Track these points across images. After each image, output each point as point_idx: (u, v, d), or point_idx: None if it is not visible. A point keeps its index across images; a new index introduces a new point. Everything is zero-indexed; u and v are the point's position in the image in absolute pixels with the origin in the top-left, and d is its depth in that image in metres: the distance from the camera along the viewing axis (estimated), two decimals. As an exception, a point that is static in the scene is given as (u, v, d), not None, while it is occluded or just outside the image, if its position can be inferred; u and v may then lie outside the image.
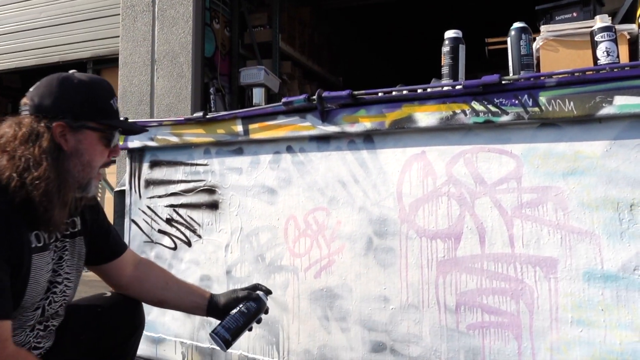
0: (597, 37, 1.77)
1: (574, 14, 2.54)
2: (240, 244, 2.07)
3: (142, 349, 2.22)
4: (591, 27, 1.83)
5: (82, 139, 1.39)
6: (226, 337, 1.60)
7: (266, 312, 1.72)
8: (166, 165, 2.29)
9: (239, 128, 2.02)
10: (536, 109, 1.49)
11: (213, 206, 2.15)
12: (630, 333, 1.39)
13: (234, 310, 1.64)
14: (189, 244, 2.21)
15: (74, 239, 1.52)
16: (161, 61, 4.86)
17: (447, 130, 1.66)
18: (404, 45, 8.84)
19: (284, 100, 1.88)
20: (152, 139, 2.26)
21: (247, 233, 2.06)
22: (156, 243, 2.30)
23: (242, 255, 2.07)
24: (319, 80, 6.65)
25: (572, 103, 1.44)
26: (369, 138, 1.79)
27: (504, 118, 1.54)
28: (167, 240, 2.27)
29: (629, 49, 2.30)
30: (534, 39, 2.22)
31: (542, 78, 1.51)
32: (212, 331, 1.62)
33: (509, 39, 1.81)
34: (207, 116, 2.10)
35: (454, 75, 1.85)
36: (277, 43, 5.52)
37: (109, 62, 5.66)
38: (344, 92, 1.76)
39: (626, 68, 1.43)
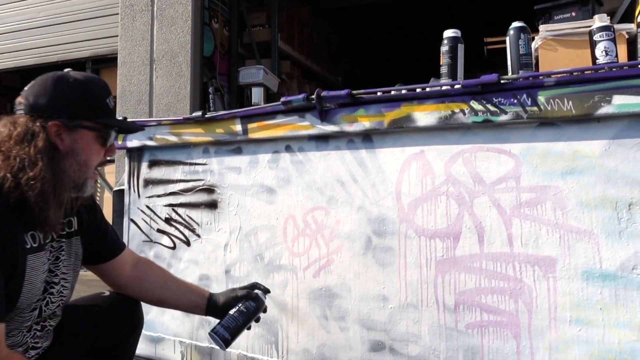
0: (596, 37, 1.77)
1: (573, 14, 2.54)
2: (239, 243, 2.08)
3: (141, 348, 2.22)
4: (590, 26, 1.83)
5: (78, 138, 1.38)
6: (225, 336, 1.60)
7: (265, 311, 1.72)
8: (165, 164, 2.29)
9: (237, 127, 2.02)
10: (535, 108, 1.49)
11: (212, 205, 2.15)
12: (628, 332, 1.40)
13: (233, 310, 1.65)
14: (187, 243, 2.21)
15: (71, 239, 1.51)
16: (160, 61, 4.86)
17: (445, 129, 1.66)
18: (402, 45, 8.85)
19: (282, 99, 1.88)
20: (151, 139, 2.26)
21: (246, 232, 2.06)
22: (155, 242, 2.30)
23: (241, 254, 2.07)
24: (318, 79, 6.65)
25: (570, 102, 1.45)
26: (367, 137, 1.79)
27: (503, 117, 1.54)
28: (166, 240, 2.27)
29: (628, 48, 2.30)
30: (533, 39, 2.22)
31: (540, 77, 1.51)
32: (212, 330, 1.63)
33: (507, 39, 1.81)
34: (206, 116, 2.09)
35: (452, 74, 1.85)
36: (276, 42, 5.52)
37: (107, 61, 5.66)
38: (343, 92, 1.76)
39: (625, 67, 1.43)
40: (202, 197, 2.18)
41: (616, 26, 2.05)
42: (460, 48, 1.87)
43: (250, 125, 1.99)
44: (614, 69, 1.45)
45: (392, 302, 1.74)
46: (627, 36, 2.29)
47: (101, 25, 5.71)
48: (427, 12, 7.07)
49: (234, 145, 2.09)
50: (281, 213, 1.98)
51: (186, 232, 2.22)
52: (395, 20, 7.76)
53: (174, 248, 2.25)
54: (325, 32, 6.99)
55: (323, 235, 1.88)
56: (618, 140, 1.42)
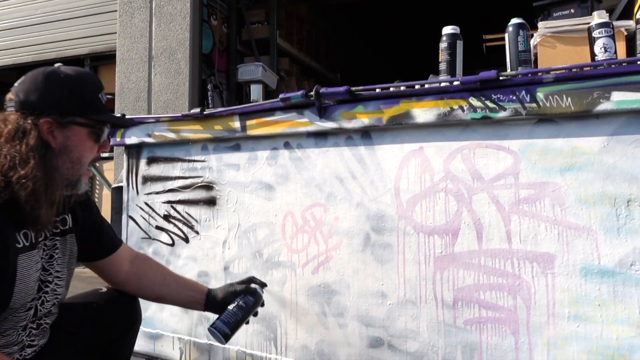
0: (595, 33, 1.77)
1: (572, 11, 2.54)
2: (237, 240, 2.08)
3: (140, 344, 2.23)
4: (589, 23, 1.83)
5: (71, 135, 1.35)
6: (225, 331, 1.60)
7: (262, 305, 1.72)
8: (163, 161, 2.28)
9: (236, 124, 2.02)
10: (534, 104, 1.49)
11: (210, 202, 2.15)
12: (626, 328, 1.40)
13: (232, 305, 1.65)
14: (186, 240, 2.21)
15: (65, 237, 1.50)
16: (158, 58, 4.85)
17: (444, 126, 1.66)
18: (401, 42, 8.84)
19: (281, 96, 1.88)
20: (149, 136, 2.26)
21: (245, 229, 2.06)
22: (154, 239, 2.30)
23: (239, 251, 2.07)
24: (316, 76, 6.64)
25: (569, 99, 1.45)
26: (366, 134, 1.79)
27: (502, 114, 1.54)
28: (164, 237, 2.27)
29: (626, 45, 2.30)
30: (532, 36, 2.22)
31: (539, 74, 1.51)
32: (211, 325, 1.63)
33: (506, 35, 1.81)
34: (205, 112, 2.09)
35: (451, 71, 1.86)
36: (274, 39, 5.51)
37: (106, 58, 5.64)
38: (342, 88, 1.76)
39: (623, 64, 1.43)
40: (201, 194, 2.18)
41: (615, 23, 2.05)
42: (459, 45, 1.87)
43: (249, 122, 1.99)
44: (612, 66, 1.45)
45: (390, 298, 1.74)
46: (625, 33, 2.29)
47: (99, 22, 5.69)
48: (426, 8, 7.06)
49: (233, 142, 2.09)
50: (280, 210, 1.98)
51: (185, 229, 2.22)
52: (393, 16, 7.75)
53: (172, 245, 2.25)
54: (324, 29, 6.99)
55: (322, 231, 1.88)
56: (617, 136, 1.43)
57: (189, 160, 2.21)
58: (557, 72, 1.48)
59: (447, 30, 1.88)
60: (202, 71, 4.92)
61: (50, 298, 1.45)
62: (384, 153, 1.76)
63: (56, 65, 1.42)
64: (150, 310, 2.25)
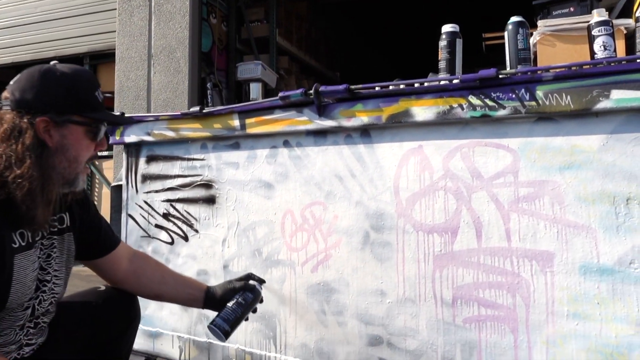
0: (594, 32, 1.77)
1: (571, 9, 2.54)
2: (237, 238, 2.08)
3: (140, 343, 2.23)
4: (588, 21, 1.83)
5: (67, 133, 1.34)
6: (225, 328, 1.60)
7: (261, 301, 1.72)
8: (163, 160, 2.28)
9: (235, 123, 2.02)
10: (533, 103, 1.49)
11: (210, 201, 2.15)
12: (625, 326, 1.40)
13: (231, 302, 1.65)
14: (186, 238, 2.21)
15: (63, 236, 1.49)
16: (158, 56, 4.84)
17: (444, 124, 1.66)
18: (401, 40, 8.84)
19: (280, 94, 1.88)
20: (148, 134, 2.26)
21: (244, 227, 2.06)
22: (153, 238, 2.30)
23: (239, 249, 2.07)
24: (316, 75, 6.64)
25: (569, 97, 1.45)
26: (365, 132, 1.79)
27: (501, 112, 1.54)
28: (164, 235, 2.27)
29: (626, 43, 2.30)
30: (531, 34, 2.22)
31: (539, 72, 1.50)
32: (211, 323, 1.62)
33: (506, 33, 1.81)
34: (204, 111, 2.09)
35: (451, 69, 1.85)
36: (274, 38, 5.51)
37: (105, 57, 5.64)
38: (341, 87, 1.76)
39: (623, 62, 1.43)
40: (200, 193, 2.17)
41: (614, 21, 2.05)
42: (459, 43, 1.87)
43: (248, 121, 1.99)
44: (612, 64, 1.45)
45: (390, 296, 1.74)
46: (625, 31, 2.29)
47: (98, 20, 5.69)
48: (425, 6, 7.06)
49: (232, 141, 2.09)
50: (279, 208, 1.98)
51: (184, 227, 2.22)
52: (393, 15, 7.75)
53: (172, 243, 2.25)
54: (323, 28, 6.98)
55: (321, 230, 1.88)
56: (616, 134, 1.42)
57: (189, 159, 2.20)
58: (557, 70, 1.48)
59: (447, 28, 1.88)
60: (202, 70, 4.92)
61: (48, 297, 1.44)
62: (383, 151, 1.76)
63: (52, 63, 1.41)
64: (149, 308, 2.25)
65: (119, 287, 1.69)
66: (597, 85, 1.41)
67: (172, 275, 1.74)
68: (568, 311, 1.47)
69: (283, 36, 5.71)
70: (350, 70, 7.57)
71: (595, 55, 1.75)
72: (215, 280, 2.10)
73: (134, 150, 2.37)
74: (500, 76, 1.53)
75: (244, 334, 2.02)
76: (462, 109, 1.59)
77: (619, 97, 1.38)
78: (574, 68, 1.47)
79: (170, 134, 2.20)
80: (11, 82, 1.35)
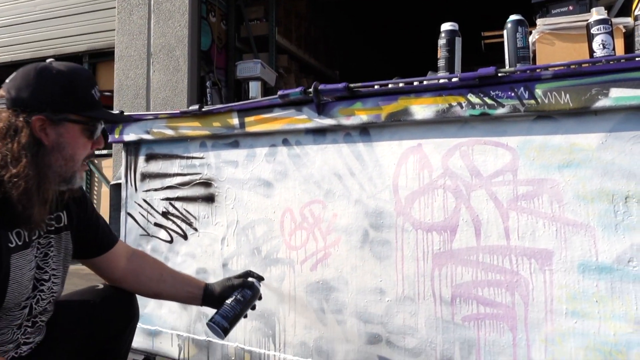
0: (593, 30, 1.77)
1: (570, 8, 2.54)
2: (236, 237, 2.08)
3: (139, 341, 2.23)
4: (587, 20, 1.83)
5: (64, 132, 1.33)
6: (224, 325, 1.60)
7: (260, 298, 1.72)
8: (162, 158, 2.28)
9: (234, 121, 2.02)
10: (532, 101, 1.49)
11: (209, 199, 2.15)
12: (624, 324, 1.40)
13: (230, 299, 1.65)
14: (185, 237, 2.21)
15: (60, 234, 1.48)
16: (157, 55, 4.84)
17: (443, 122, 1.66)
18: (400, 39, 8.84)
19: (280, 92, 1.88)
20: (147, 132, 2.26)
21: (243, 226, 2.06)
22: (152, 236, 2.30)
23: (238, 248, 2.07)
24: (315, 73, 6.64)
25: (568, 95, 1.45)
26: (365, 131, 1.79)
27: (500, 110, 1.54)
28: (163, 234, 2.27)
29: (625, 42, 2.30)
30: (530, 33, 2.22)
31: (538, 70, 1.50)
32: (210, 320, 1.62)
33: (505, 32, 1.81)
34: (203, 109, 2.09)
35: (450, 67, 1.85)
36: (273, 36, 5.51)
37: (105, 55, 5.64)
38: (340, 85, 1.76)
39: (622, 60, 1.43)
40: (199, 191, 2.17)
41: (613, 20, 2.05)
42: (458, 41, 1.87)
43: (247, 119, 1.99)
44: (611, 62, 1.45)
45: (389, 295, 1.74)
46: (624, 30, 2.29)
47: (98, 19, 5.69)
48: (424, 5, 7.05)
49: (231, 139, 2.09)
50: (278, 207, 1.98)
51: (183, 225, 2.22)
52: (392, 13, 7.74)
53: (171, 242, 2.25)
54: (322, 26, 6.98)
55: (320, 228, 1.88)
56: (615, 133, 1.43)
57: (188, 157, 2.20)
58: (556, 68, 1.48)
59: (446, 26, 1.88)
60: (201, 68, 4.92)
61: (46, 296, 1.44)
62: (382, 150, 1.76)
63: (48, 60, 1.40)
64: (148, 307, 2.25)
65: (117, 286, 1.69)
66: (596, 83, 1.41)
67: (171, 273, 1.74)
68: (567, 309, 1.47)
69: (282, 35, 5.72)
70: (349, 68, 7.57)
71: (594, 54, 1.75)
72: (215, 278, 2.09)
73: (133, 148, 2.37)
74: (499, 74, 1.53)
75: (243, 333, 2.02)
76: (461, 107, 1.59)
77: (617, 95, 1.38)
78: (573, 66, 1.46)
79: (170, 132, 2.20)
80: (7, 80, 1.34)
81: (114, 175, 4.66)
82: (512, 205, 1.56)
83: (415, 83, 1.71)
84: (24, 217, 1.27)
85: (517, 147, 1.55)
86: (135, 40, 4.96)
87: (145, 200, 2.32)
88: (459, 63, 1.86)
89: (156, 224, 2.29)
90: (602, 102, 1.40)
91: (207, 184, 2.15)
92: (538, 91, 1.48)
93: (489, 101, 1.55)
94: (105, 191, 5.23)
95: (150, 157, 2.32)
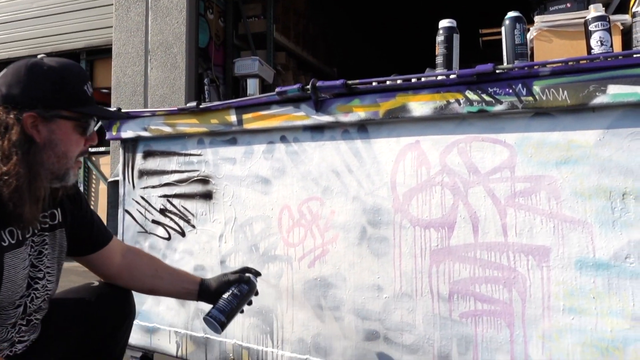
0: (591, 27, 1.77)
1: (568, 5, 2.55)
2: (234, 234, 2.08)
3: (137, 338, 2.23)
4: (585, 17, 1.83)
5: (55, 129, 1.31)
6: (221, 319, 1.60)
7: (256, 293, 1.72)
8: (160, 155, 2.28)
9: (232, 118, 2.01)
10: (530, 98, 1.49)
11: (207, 196, 2.15)
12: (621, 320, 1.41)
13: (227, 294, 1.65)
14: (182, 234, 2.21)
15: (54, 232, 1.47)
16: (155, 52, 4.84)
17: (441, 119, 1.66)
18: (398, 36, 8.83)
19: (277, 89, 1.88)
20: (145, 129, 2.26)
21: (241, 223, 2.06)
22: (150, 233, 2.30)
23: (236, 245, 2.07)
24: (313, 71, 6.64)
25: (565, 92, 1.45)
26: (363, 128, 1.79)
27: (498, 107, 1.54)
28: (161, 231, 2.27)
29: (622, 39, 2.30)
30: (528, 30, 2.22)
31: (536, 67, 1.50)
32: (207, 314, 1.62)
33: (503, 28, 1.81)
34: (201, 106, 2.09)
35: (448, 64, 1.85)
36: (271, 34, 5.50)
37: (102, 52, 5.63)
38: (338, 82, 1.75)
39: (620, 57, 1.43)
40: (197, 188, 2.17)
41: (611, 17, 2.06)
42: (456, 38, 1.87)
43: (245, 116, 1.99)
44: (609, 59, 1.45)
45: (386, 291, 1.74)
46: (621, 27, 2.30)
47: (95, 16, 5.68)
48: (423, 2, 7.06)
49: (229, 136, 2.08)
50: (276, 203, 1.98)
51: (181, 222, 2.21)
52: (391, 10, 7.74)
53: (168, 239, 2.25)
54: (321, 23, 6.98)
55: (318, 225, 1.88)
56: (612, 130, 1.43)
57: (185, 154, 2.20)
58: (554, 65, 1.48)
59: (444, 23, 1.88)
60: (199, 65, 4.92)
61: (40, 294, 1.43)
62: (380, 147, 1.76)
63: (39, 56, 1.37)
64: (146, 304, 2.25)
65: (112, 283, 1.68)
66: (594, 80, 1.41)
67: (166, 269, 1.74)
68: (564, 306, 1.48)
69: (280, 32, 5.71)
70: (347, 66, 7.57)
71: (592, 51, 1.75)
72: (212, 275, 2.08)
73: (130, 145, 2.37)
74: (497, 71, 1.53)
75: (241, 329, 2.02)
76: (459, 104, 1.59)
77: (615, 92, 1.38)
78: (570, 63, 1.46)
79: (167, 129, 2.20)
80: None
81: (111, 173, 4.66)
82: (510, 202, 1.56)
83: (413, 80, 1.70)
84: (15, 215, 1.25)
85: (514, 144, 1.55)
86: (133, 37, 4.95)
87: (142, 198, 2.32)
88: (457, 60, 1.86)
89: (154, 221, 2.29)
90: (599, 99, 1.40)
91: (204, 181, 2.15)
92: (536, 88, 1.48)
93: (487, 98, 1.55)
94: (102, 188, 5.23)
95: (147, 154, 2.31)
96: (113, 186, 2.48)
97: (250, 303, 1.71)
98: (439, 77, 1.68)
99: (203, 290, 1.69)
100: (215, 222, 2.12)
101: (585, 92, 1.42)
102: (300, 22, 6.31)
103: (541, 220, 1.51)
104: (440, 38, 1.87)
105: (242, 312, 1.68)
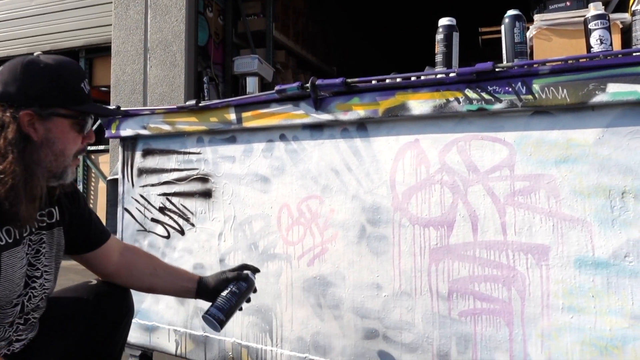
0: (591, 25, 1.77)
1: (567, 3, 2.55)
2: (233, 232, 2.07)
3: (136, 337, 2.23)
4: (584, 16, 1.83)
5: (52, 127, 1.30)
6: (220, 317, 1.59)
7: (255, 291, 1.72)
8: (159, 153, 2.28)
9: (232, 116, 2.01)
10: (529, 96, 1.49)
11: (206, 195, 2.15)
12: (620, 319, 1.41)
13: (225, 291, 1.64)
14: (182, 232, 2.21)
15: (52, 231, 1.46)
16: (154, 50, 4.83)
17: (440, 118, 1.65)
18: (397, 34, 8.83)
19: (277, 88, 1.87)
20: (144, 128, 2.25)
21: (241, 221, 2.06)
22: (149, 232, 2.30)
23: (235, 243, 2.07)
24: (312, 69, 6.63)
25: (565, 91, 1.45)
26: (362, 126, 1.79)
27: (497, 106, 1.54)
28: (160, 229, 2.27)
29: (622, 38, 2.30)
30: (528, 28, 2.22)
31: (535, 66, 1.50)
32: (205, 313, 1.61)
33: (502, 27, 1.81)
34: (200, 104, 2.08)
35: (447, 63, 1.85)
36: (270, 32, 5.50)
37: (101, 50, 5.62)
38: (338, 80, 1.75)
39: (619, 55, 1.43)
40: (196, 186, 2.17)
41: (610, 15, 2.05)
42: (455, 36, 1.87)
43: (245, 114, 1.98)
44: (608, 57, 1.45)
45: (385, 290, 1.74)
46: (621, 26, 2.30)
47: (94, 13, 5.67)
48: (422, 1, 7.05)
49: (228, 134, 2.08)
50: (275, 202, 1.97)
51: (180, 221, 2.21)
52: (390, 9, 7.73)
53: (168, 237, 2.25)
54: (320, 22, 6.97)
55: (317, 224, 1.88)
56: (612, 128, 1.43)
57: (185, 153, 2.20)
58: (553, 63, 1.48)
59: (444, 21, 1.88)
60: (198, 63, 4.91)
61: (38, 293, 1.42)
62: (379, 145, 1.76)
63: (36, 54, 1.36)
64: (145, 302, 2.25)
65: (110, 281, 1.68)
66: (594, 78, 1.41)
67: (164, 267, 1.73)
68: (563, 304, 1.48)
69: (280, 30, 5.71)
70: (347, 64, 7.56)
71: (592, 49, 1.75)
72: (212, 273, 2.09)
73: (130, 144, 2.37)
74: (496, 69, 1.53)
75: (240, 328, 2.02)
76: (459, 102, 1.59)
77: (615, 90, 1.38)
78: (570, 61, 1.46)
79: (166, 127, 2.20)
80: None
81: (110, 171, 4.65)
82: (509, 200, 1.56)
83: (413, 78, 1.70)
84: (11, 214, 1.24)
85: (514, 143, 1.55)
86: (132, 36, 4.94)
87: (142, 196, 2.32)
88: (456, 58, 1.86)
89: (153, 220, 2.28)
90: (599, 98, 1.40)
91: (204, 179, 2.15)
92: (535, 86, 1.48)
93: (487, 96, 1.55)
94: (102, 187, 5.23)
95: (147, 153, 2.31)
96: (112, 184, 2.47)
97: (249, 300, 1.70)
98: (439, 76, 1.68)
99: (201, 288, 1.68)
100: (214, 220, 2.12)
101: (584, 91, 1.42)
102: (299, 20, 6.31)
103: (540, 218, 1.51)
104: (439, 36, 1.86)
105: (240, 309, 1.68)
